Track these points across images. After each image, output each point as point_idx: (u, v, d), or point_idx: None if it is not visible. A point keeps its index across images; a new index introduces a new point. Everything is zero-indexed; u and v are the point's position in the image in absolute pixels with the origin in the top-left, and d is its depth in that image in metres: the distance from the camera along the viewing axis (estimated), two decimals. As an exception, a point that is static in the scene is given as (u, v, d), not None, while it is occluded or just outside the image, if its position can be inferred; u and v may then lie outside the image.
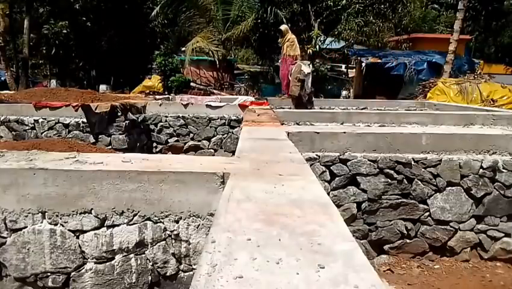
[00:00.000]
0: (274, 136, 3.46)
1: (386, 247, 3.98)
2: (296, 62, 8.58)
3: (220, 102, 8.51)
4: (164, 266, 2.33)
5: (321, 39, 14.67)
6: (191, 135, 8.06)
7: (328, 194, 3.57)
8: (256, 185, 1.89)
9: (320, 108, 8.43)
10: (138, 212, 2.25)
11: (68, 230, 2.26)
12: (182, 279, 2.34)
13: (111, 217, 2.25)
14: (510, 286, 3.51)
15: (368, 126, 5.51)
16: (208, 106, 8.10)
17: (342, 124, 5.79)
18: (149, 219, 2.26)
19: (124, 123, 7.15)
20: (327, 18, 14.33)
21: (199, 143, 8.04)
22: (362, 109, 8.65)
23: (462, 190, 3.92)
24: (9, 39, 15.99)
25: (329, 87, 18.77)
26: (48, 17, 16.09)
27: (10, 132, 7.22)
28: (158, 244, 2.30)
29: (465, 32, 18.77)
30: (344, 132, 3.99)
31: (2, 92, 9.89)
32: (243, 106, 7.71)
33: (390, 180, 3.91)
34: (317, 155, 3.92)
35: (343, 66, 20.65)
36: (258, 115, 5.36)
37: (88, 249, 2.27)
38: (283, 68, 9.14)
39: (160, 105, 8.27)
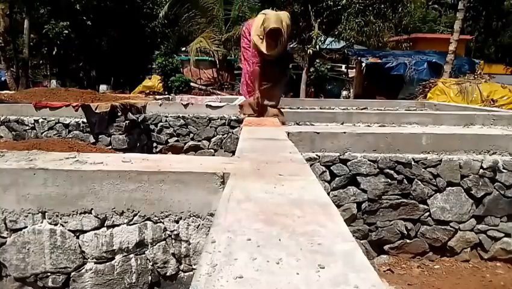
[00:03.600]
0: (274, 136, 3.46)
1: (386, 247, 3.99)
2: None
3: (220, 102, 8.51)
4: (164, 266, 2.33)
5: (322, 39, 14.67)
6: (191, 135, 8.06)
7: (328, 194, 3.57)
8: (256, 185, 1.89)
9: (320, 108, 8.43)
10: (138, 212, 2.25)
11: (68, 230, 2.26)
12: (182, 279, 2.34)
13: (111, 217, 2.25)
14: (510, 286, 3.50)
15: (368, 126, 5.51)
16: (208, 106, 8.10)
17: (342, 124, 5.79)
18: (149, 219, 2.26)
19: (124, 123, 7.15)
20: (327, 18, 14.33)
21: (199, 143, 8.04)
22: (362, 109, 8.65)
23: (462, 190, 3.92)
24: (9, 39, 16.01)
25: (329, 87, 18.82)
26: (49, 18, 16.09)
27: (10, 132, 7.22)
28: (158, 244, 2.30)
29: (466, 32, 18.78)
30: (344, 132, 4.00)
31: (2, 92, 9.90)
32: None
33: (390, 181, 3.91)
34: (317, 155, 3.92)
35: (343, 66, 20.67)
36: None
37: (88, 249, 2.27)
38: None
39: (160, 105, 8.27)
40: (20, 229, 2.26)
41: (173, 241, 2.29)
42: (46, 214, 2.25)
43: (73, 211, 2.24)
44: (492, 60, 23.27)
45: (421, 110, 8.68)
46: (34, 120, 7.23)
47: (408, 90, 14.03)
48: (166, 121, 8.07)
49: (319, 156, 3.92)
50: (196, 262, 2.26)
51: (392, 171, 3.90)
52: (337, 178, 3.93)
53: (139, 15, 17.56)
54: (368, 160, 3.90)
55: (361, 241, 3.90)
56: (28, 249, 2.27)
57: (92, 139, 7.03)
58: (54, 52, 17.34)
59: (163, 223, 2.26)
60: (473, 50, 23.78)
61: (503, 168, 3.90)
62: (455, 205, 3.91)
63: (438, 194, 3.93)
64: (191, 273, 2.29)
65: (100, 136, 7.11)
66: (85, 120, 7.12)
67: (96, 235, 2.26)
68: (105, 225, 2.26)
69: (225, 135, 7.96)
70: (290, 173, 2.13)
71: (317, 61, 17.17)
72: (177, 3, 14.94)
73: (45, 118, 7.21)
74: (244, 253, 1.18)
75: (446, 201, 3.92)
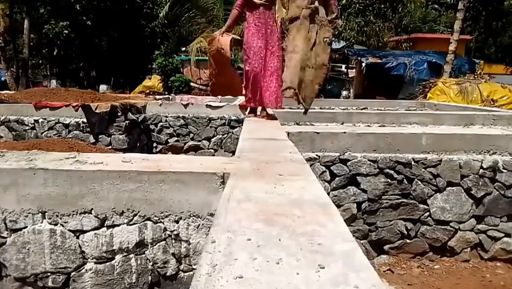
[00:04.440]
0: (274, 136, 3.46)
1: (386, 247, 3.99)
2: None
3: (220, 102, 8.51)
4: (164, 266, 2.33)
5: (322, 39, 14.63)
6: (191, 135, 8.06)
7: (328, 194, 3.57)
8: (256, 185, 1.89)
9: (320, 108, 8.43)
10: (138, 212, 2.25)
11: (68, 230, 2.26)
12: (182, 279, 2.34)
13: (111, 217, 2.25)
14: (510, 286, 3.50)
15: (368, 126, 5.51)
16: (208, 106, 8.10)
17: (342, 124, 5.79)
18: (149, 219, 2.26)
19: (124, 123, 7.15)
20: (327, 18, 14.31)
21: (199, 143, 8.04)
22: (362, 109, 8.65)
23: (462, 190, 3.92)
24: (9, 39, 16.02)
25: (329, 87, 18.79)
26: (49, 18, 16.09)
27: (10, 132, 7.22)
28: (158, 244, 2.30)
29: (466, 32, 18.76)
30: (344, 132, 4.00)
31: (2, 92, 9.90)
32: (243, 107, 7.71)
33: (390, 181, 3.91)
34: (317, 155, 3.92)
35: (343, 66, 20.67)
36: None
37: (88, 249, 2.27)
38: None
39: (160, 105, 8.27)
40: (20, 229, 2.26)
41: (173, 241, 2.29)
42: (46, 214, 2.25)
43: (73, 211, 2.24)
44: (492, 60, 23.27)
45: (421, 110, 8.68)
46: (34, 120, 7.23)
47: (408, 90, 14.02)
48: (166, 121, 8.08)
49: (319, 156, 3.92)
50: (196, 262, 2.26)
51: (392, 171, 3.90)
52: (337, 178, 3.93)
53: (139, 15, 17.55)
54: (368, 160, 3.90)
55: (361, 241, 3.90)
56: (28, 249, 2.27)
57: (92, 139, 7.03)
58: (54, 52, 17.35)
59: (163, 223, 2.26)
60: (473, 50, 23.78)
61: (503, 168, 3.90)
62: (455, 205, 3.91)
63: (438, 194, 3.93)
64: (191, 273, 2.29)
65: (100, 136, 7.12)
66: (85, 120, 7.12)
67: (96, 235, 2.26)
68: (105, 225, 2.26)
69: (225, 135, 7.96)
70: (290, 173, 2.13)
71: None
72: (178, 3, 14.95)
73: (45, 118, 7.21)
74: (244, 253, 1.18)
75: (446, 201, 3.92)
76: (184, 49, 17.98)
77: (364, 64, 16.05)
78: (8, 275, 2.31)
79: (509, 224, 3.91)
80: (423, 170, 3.91)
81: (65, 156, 2.50)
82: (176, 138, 8.08)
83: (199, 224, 2.25)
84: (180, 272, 2.34)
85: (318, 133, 3.98)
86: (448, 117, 6.23)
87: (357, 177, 3.91)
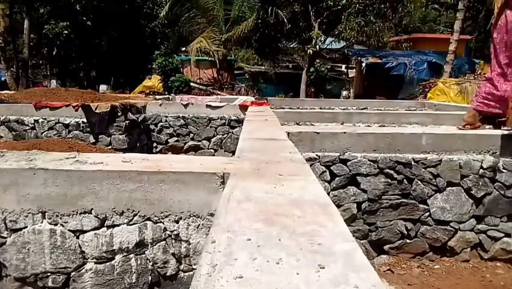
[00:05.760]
0: (274, 136, 3.46)
1: (386, 247, 3.99)
2: None
3: (220, 102, 8.51)
4: (164, 266, 2.33)
5: (322, 39, 14.66)
6: (191, 135, 8.07)
7: (328, 194, 3.57)
8: (256, 185, 1.89)
9: (321, 108, 8.43)
10: (138, 212, 2.25)
11: (68, 230, 2.26)
12: (182, 279, 2.34)
13: (111, 217, 2.25)
14: (510, 286, 3.50)
15: (368, 126, 5.51)
16: (208, 106, 8.11)
17: (342, 124, 5.79)
18: (149, 219, 2.26)
19: (124, 123, 7.15)
20: (327, 18, 14.34)
21: (199, 143, 8.05)
22: (362, 109, 8.66)
23: (462, 190, 3.92)
24: (9, 39, 16.00)
25: (329, 87, 18.83)
26: (49, 18, 16.08)
27: (10, 132, 7.23)
28: (158, 244, 2.30)
29: (466, 32, 18.75)
30: (345, 132, 4.00)
31: (2, 92, 9.90)
32: (243, 107, 7.71)
33: (390, 181, 3.91)
34: (317, 155, 3.92)
35: (343, 66, 20.68)
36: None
37: (88, 249, 2.27)
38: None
39: (160, 105, 8.27)
40: (20, 229, 2.26)
41: (173, 241, 2.29)
42: (46, 214, 2.25)
43: (73, 211, 2.24)
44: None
45: (421, 110, 8.69)
46: (34, 120, 7.23)
47: (408, 90, 14.04)
48: (166, 121, 8.08)
49: (319, 156, 3.92)
50: (196, 262, 2.26)
51: (392, 171, 3.90)
52: (337, 178, 3.93)
53: (139, 15, 17.55)
54: (368, 160, 3.90)
55: (361, 241, 3.90)
56: (28, 249, 2.27)
57: (92, 139, 7.03)
58: (54, 52, 17.35)
59: (163, 223, 2.26)
60: (473, 50, 23.76)
61: (503, 168, 3.90)
62: (455, 205, 3.91)
63: (438, 194, 3.93)
64: (191, 273, 2.29)
65: (100, 136, 7.12)
66: (85, 120, 7.12)
67: (96, 235, 2.26)
68: (105, 225, 2.26)
69: (225, 135, 7.96)
70: (290, 173, 2.13)
71: (317, 61, 17.18)
72: (178, 3, 14.94)
73: (45, 118, 7.21)
74: (244, 253, 1.18)
75: (446, 201, 3.92)
76: (184, 49, 17.99)
77: (364, 64, 16.06)
78: (8, 275, 2.31)
79: (509, 224, 3.91)
80: (423, 170, 3.91)
81: (65, 156, 2.50)
82: (176, 138, 8.08)
83: (199, 224, 2.25)
84: (180, 272, 2.34)
85: (318, 133, 3.98)
86: (448, 117, 6.23)
87: (357, 177, 3.91)
